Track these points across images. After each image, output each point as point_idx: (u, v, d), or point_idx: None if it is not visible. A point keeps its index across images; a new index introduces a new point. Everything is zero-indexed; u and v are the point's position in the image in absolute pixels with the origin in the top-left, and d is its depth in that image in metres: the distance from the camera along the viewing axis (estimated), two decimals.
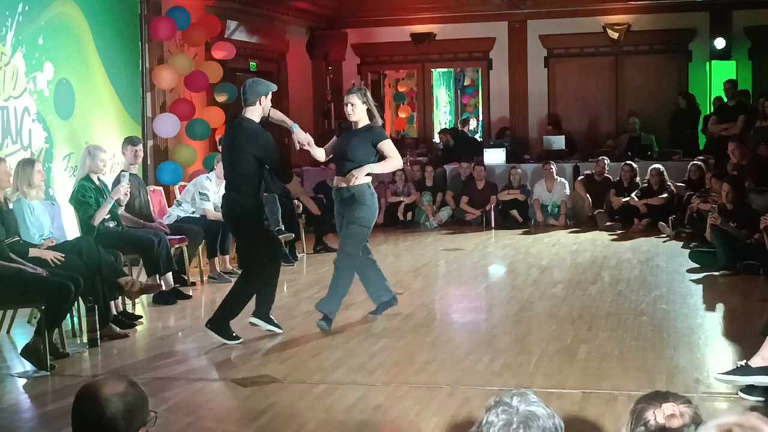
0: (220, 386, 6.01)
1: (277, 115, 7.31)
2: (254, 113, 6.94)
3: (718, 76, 15.54)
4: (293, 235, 10.67)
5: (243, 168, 6.87)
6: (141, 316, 7.98)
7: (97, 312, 6.94)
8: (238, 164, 6.90)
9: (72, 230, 8.42)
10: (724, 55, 15.88)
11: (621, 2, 16.16)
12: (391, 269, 10.02)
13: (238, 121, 7.01)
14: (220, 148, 7.77)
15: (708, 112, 15.23)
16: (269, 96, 6.97)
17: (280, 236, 10.33)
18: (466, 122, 18.16)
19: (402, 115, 19.83)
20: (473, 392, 5.56)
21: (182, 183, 10.79)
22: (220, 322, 7.01)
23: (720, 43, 15.81)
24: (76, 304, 7.07)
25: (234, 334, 7.02)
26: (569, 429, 2.25)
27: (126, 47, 10.91)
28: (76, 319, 7.38)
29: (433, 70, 18.28)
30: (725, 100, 14.55)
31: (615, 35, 16.47)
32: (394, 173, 14.14)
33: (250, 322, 7.17)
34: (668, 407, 2.51)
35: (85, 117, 10.01)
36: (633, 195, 13.21)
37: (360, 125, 7.44)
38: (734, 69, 15.74)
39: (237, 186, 6.95)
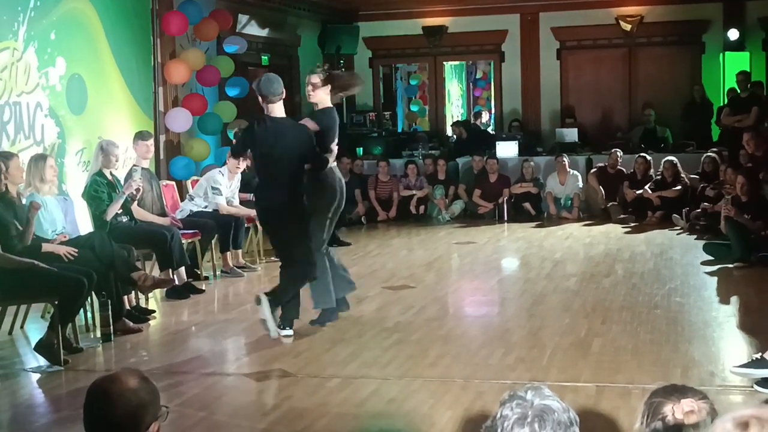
0: (233, 380, 6.01)
1: None
2: (281, 110, 6.99)
3: (731, 68, 15.44)
4: None
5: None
6: (154, 311, 7.99)
7: (110, 307, 6.95)
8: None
9: (85, 225, 8.44)
10: (737, 46, 15.79)
11: None
12: (404, 263, 10.02)
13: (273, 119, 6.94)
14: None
15: (722, 104, 15.15)
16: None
17: None
18: (478, 115, 18.13)
19: (414, 108, 19.81)
20: (487, 386, 5.55)
21: (195, 177, 10.79)
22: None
23: (734, 34, 15.72)
24: (89, 298, 7.09)
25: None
26: (584, 422, 2.23)
27: (138, 42, 10.92)
28: (89, 314, 7.39)
29: (445, 63, 18.24)
30: (738, 91, 14.47)
31: (628, 27, 16.39)
32: (406, 166, 14.15)
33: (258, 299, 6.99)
34: (687, 403, 2.48)
35: (97, 112, 10.02)
36: (647, 187, 13.15)
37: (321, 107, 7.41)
38: (748, 60, 15.64)
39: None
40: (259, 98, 6.97)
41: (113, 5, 10.36)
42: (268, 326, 6.90)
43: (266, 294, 6.98)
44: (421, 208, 14.00)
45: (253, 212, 9.97)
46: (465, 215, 14.05)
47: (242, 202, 10.10)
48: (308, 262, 7.00)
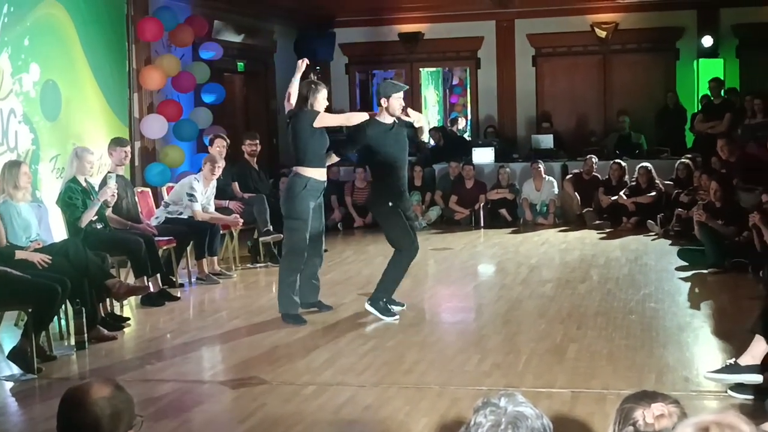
0: (208, 388, 5.97)
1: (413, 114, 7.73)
2: (381, 113, 7.57)
3: (705, 74, 15.55)
4: (282, 235, 10.59)
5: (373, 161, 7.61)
6: (129, 318, 7.95)
7: (84, 314, 6.90)
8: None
9: (59, 232, 8.38)
10: (711, 53, 15.91)
11: (608, 1, 16.19)
12: (380, 270, 9.96)
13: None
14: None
15: (695, 110, 15.27)
16: (395, 96, 7.50)
17: (267, 237, 10.34)
18: (454, 121, 18.15)
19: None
20: (463, 392, 5.55)
21: (170, 184, 10.74)
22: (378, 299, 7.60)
23: (707, 41, 15.85)
24: (63, 306, 7.03)
25: (392, 310, 7.60)
26: (558, 429, 2.24)
27: (112, 48, 10.87)
28: (63, 322, 7.34)
29: (421, 69, 18.25)
30: (712, 98, 14.58)
31: (603, 34, 16.49)
32: None
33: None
34: (657, 407, 2.51)
35: (71, 118, 9.96)
36: (621, 193, 13.23)
37: None
38: (722, 67, 15.77)
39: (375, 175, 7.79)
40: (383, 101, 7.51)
41: (88, 11, 10.31)
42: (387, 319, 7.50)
43: (368, 302, 7.64)
44: None
45: (228, 219, 9.99)
46: (441, 221, 14.08)
47: (218, 209, 10.07)
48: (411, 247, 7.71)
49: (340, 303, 8.29)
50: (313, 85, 7.55)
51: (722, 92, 14.58)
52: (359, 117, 7.77)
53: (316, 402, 5.48)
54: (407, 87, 7.94)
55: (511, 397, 2.20)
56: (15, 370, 6.33)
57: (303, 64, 7.68)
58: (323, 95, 7.55)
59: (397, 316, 7.58)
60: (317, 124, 7.45)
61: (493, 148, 15.14)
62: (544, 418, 2.19)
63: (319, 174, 7.58)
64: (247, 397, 5.63)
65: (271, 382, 5.93)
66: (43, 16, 9.50)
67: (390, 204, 7.53)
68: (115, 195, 8.29)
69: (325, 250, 11.42)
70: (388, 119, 7.54)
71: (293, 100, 7.60)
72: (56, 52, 9.76)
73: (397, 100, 7.49)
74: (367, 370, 6.15)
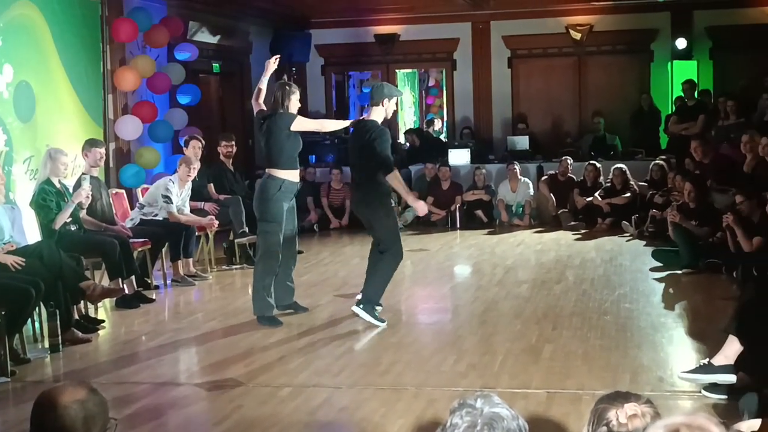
0: (183, 390, 5.95)
1: None
2: (377, 113, 7.52)
3: (679, 76, 15.66)
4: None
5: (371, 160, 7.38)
6: (103, 321, 7.90)
7: (58, 316, 6.86)
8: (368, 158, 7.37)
9: (33, 234, 8.32)
10: (685, 55, 16.02)
11: (583, 3, 16.24)
12: (357, 271, 10.00)
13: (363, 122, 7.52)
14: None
15: (669, 112, 15.37)
16: (393, 100, 7.56)
17: (243, 238, 10.32)
18: (430, 123, 18.18)
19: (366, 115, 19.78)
20: (439, 393, 5.56)
21: (145, 186, 10.70)
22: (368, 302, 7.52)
23: (681, 43, 15.95)
24: (37, 308, 6.99)
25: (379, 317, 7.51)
26: (534, 429, 2.25)
27: (87, 49, 10.81)
28: (37, 324, 7.29)
29: (397, 70, 18.27)
30: (686, 99, 14.68)
31: (578, 36, 16.56)
32: None
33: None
34: (630, 407, 2.52)
35: (45, 119, 9.90)
36: (596, 194, 13.29)
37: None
38: (695, 69, 15.88)
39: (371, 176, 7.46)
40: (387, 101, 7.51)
41: (62, 12, 10.24)
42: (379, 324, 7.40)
43: (360, 306, 7.53)
44: None
45: (204, 220, 9.96)
46: (418, 222, 14.07)
47: (193, 211, 10.04)
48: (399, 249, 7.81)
49: (316, 304, 8.29)
50: (287, 87, 7.54)
51: (696, 94, 14.68)
52: (334, 124, 7.79)
53: (292, 404, 5.47)
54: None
55: (487, 398, 2.21)
56: None
57: (274, 62, 7.67)
58: (297, 97, 7.55)
59: (386, 322, 7.48)
60: (295, 127, 7.43)
61: (469, 149, 15.19)
62: (519, 419, 2.20)
63: (293, 176, 7.59)
64: (223, 399, 5.62)
65: (246, 384, 5.92)
66: (16, 16, 9.44)
67: (388, 204, 7.72)
68: (90, 197, 8.25)
69: (300, 252, 11.45)
70: (380, 119, 7.54)
71: (262, 98, 7.62)
72: (30, 53, 9.69)
73: (394, 103, 7.61)
74: (343, 371, 6.15)
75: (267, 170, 7.62)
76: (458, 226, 13.69)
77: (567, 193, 13.68)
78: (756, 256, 8.19)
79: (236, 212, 10.36)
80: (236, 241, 10.52)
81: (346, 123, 7.82)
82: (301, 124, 7.49)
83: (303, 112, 7.93)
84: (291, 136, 7.46)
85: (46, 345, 6.95)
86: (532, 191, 13.98)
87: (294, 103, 7.51)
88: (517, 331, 7.15)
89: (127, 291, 8.42)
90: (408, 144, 16.80)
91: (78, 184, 8.30)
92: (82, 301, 7.64)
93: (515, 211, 13.90)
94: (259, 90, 7.65)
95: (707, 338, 6.54)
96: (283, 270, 7.82)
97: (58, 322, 6.86)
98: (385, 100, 7.49)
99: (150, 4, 11.95)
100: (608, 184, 13.39)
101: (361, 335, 7.17)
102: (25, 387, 6.07)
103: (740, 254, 8.52)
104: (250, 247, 10.62)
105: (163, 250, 9.55)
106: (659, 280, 9.23)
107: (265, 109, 7.68)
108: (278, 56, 7.70)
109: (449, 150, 15.18)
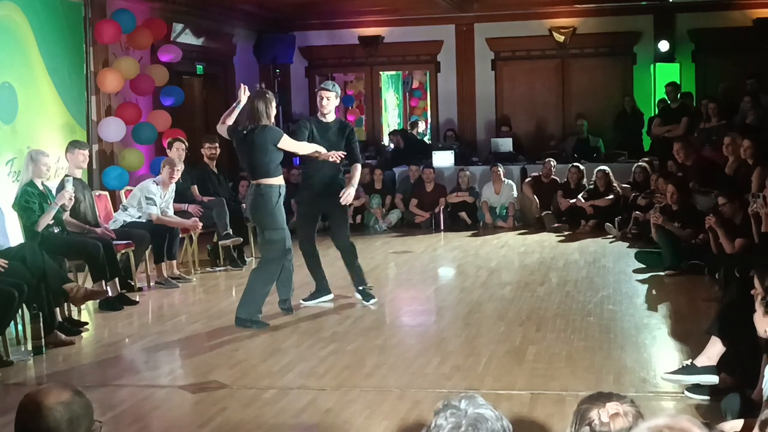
0: (168, 393, 5.94)
1: None
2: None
3: (662, 79, 15.74)
4: (241, 239, 10.60)
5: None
6: (87, 323, 7.87)
7: (41, 319, 6.83)
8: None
9: (16, 236, 8.29)
10: (668, 57, 16.10)
11: (566, 5, 16.30)
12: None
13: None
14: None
15: (653, 114, 15.44)
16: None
17: (227, 240, 10.30)
18: (414, 125, 18.21)
19: (350, 118, 19.81)
20: (423, 395, 5.57)
21: (128, 187, 10.67)
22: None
23: (664, 45, 16.03)
24: (20, 311, 6.96)
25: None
26: (518, 430, 2.26)
27: (70, 50, 10.77)
28: (20, 327, 7.25)
29: (381, 72, 18.29)
30: (669, 102, 14.75)
31: (561, 38, 16.62)
32: None
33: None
34: (612, 406, 2.54)
35: (28, 121, 9.86)
36: (580, 196, 13.33)
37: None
38: (678, 71, 15.96)
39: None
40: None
41: (45, 13, 10.20)
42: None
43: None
44: (358, 218, 14.01)
45: (187, 222, 9.93)
46: (402, 224, 14.10)
47: (177, 212, 10.01)
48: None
49: (301, 306, 8.29)
50: (267, 96, 7.64)
51: (678, 96, 14.75)
52: (309, 148, 7.86)
53: (277, 406, 5.47)
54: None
55: (471, 399, 2.22)
56: None
57: (244, 93, 7.70)
58: (274, 105, 7.69)
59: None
60: (281, 146, 7.54)
61: (452, 151, 15.20)
62: (503, 419, 2.21)
63: (282, 180, 7.72)
64: (207, 402, 5.61)
65: (231, 386, 5.91)
66: None
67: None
68: (73, 198, 8.22)
69: None
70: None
71: (229, 122, 7.73)
72: (13, 55, 9.64)
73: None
74: (327, 373, 6.15)
75: (259, 181, 7.59)
76: (442, 228, 13.71)
77: (550, 195, 13.71)
78: (738, 258, 8.21)
79: (220, 214, 10.34)
80: (220, 243, 10.49)
81: (321, 149, 7.84)
82: (286, 144, 7.59)
83: (287, 114, 8.09)
84: (276, 148, 7.52)
85: (29, 347, 6.92)
86: (515, 193, 14.01)
87: (273, 112, 7.63)
88: (501, 333, 7.17)
89: (110, 293, 8.38)
90: (392, 145, 16.81)
91: (61, 186, 8.27)
92: (65, 304, 7.61)
93: (499, 213, 13.93)
94: (228, 117, 7.74)
95: (690, 339, 6.57)
96: (287, 268, 7.95)
97: (41, 325, 6.83)
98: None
99: (133, 6, 11.91)
100: (591, 186, 13.43)
101: (345, 337, 7.16)
102: (8, 389, 6.04)
103: (722, 256, 8.55)
104: (233, 249, 10.61)
105: (147, 252, 9.52)
106: (642, 281, 9.27)
107: (235, 121, 7.77)
108: (245, 87, 7.77)
109: (433, 152, 15.18)
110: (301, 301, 8.36)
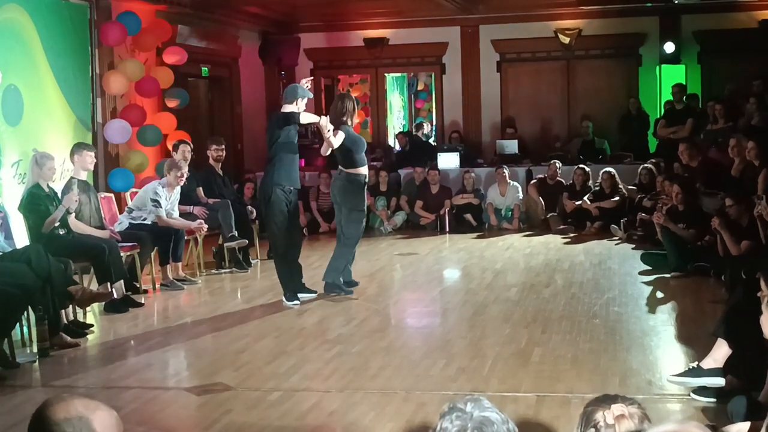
0: (173, 395, 5.94)
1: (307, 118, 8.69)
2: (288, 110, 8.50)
3: (667, 80, 15.71)
4: (246, 241, 10.60)
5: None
6: (92, 325, 7.88)
7: (47, 321, 6.83)
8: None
9: (21, 239, 8.30)
10: (673, 59, 16.06)
11: (572, 7, 16.28)
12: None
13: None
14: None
15: (658, 116, 15.41)
16: (305, 100, 8.61)
17: (232, 242, 10.30)
18: (419, 127, 18.20)
19: (356, 120, 19.79)
20: (428, 397, 5.56)
21: (134, 190, 10.68)
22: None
23: (669, 47, 16.00)
24: (25, 313, 6.96)
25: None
26: None
27: (76, 53, 10.78)
28: (26, 329, 7.26)
29: (386, 74, 18.29)
30: (674, 103, 14.72)
31: (566, 40, 16.60)
32: None
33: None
34: (617, 408, 2.54)
35: (34, 123, 9.87)
36: (585, 198, 13.32)
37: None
38: (684, 73, 15.93)
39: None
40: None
41: (50, 15, 10.22)
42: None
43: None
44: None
45: (193, 224, 9.94)
46: (407, 226, 14.10)
47: (182, 215, 10.02)
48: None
49: (306, 308, 8.29)
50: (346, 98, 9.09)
51: (684, 98, 14.73)
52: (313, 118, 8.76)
53: (282, 408, 5.46)
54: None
55: (476, 401, 2.21)
56: None
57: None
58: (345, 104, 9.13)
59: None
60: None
61: (458, 153, 15.20)
62: (509, 422, 2.20)
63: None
64: (212, 404, 5.60)
65: (236, 388, 5.91)
66: (5, 20, 9.41)
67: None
68: (79, 201, 8.23)
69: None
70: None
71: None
72: (18, 57, 9.66)
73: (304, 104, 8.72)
74: (332, 375, 6.15)
75: (342, 170, 8.83)
76: (447, 229, 13.70)
77: (556, 197, 13.70)
78: (744, 260, 8.20)
79: (225, 216, 10.34)
80: (225, 245, 10.50)
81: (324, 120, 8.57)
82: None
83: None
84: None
85: (35, 349, 6.93)
86: (521, 195, 14.00)
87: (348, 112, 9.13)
88: (507, 335, 7.16)
89: (115, 295, 8.39)
90: (398, 147, 16.80)
91: (68, 188, 8.28)
92: (70, 306, 7.62)
93: (504, 214, 13.92)
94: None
95: (696, 341, 6.56)
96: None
97: (47, 327, 6.83)
98: (299, 100, 8.53)
99: (138, 8, 11.92)
100: (597, 188, 13.42)
101: (350, 339, 7.16)
102: (14, 392, 6.02)
103: (728, 258, 8.53)
104: (239, 251, 10.60)
105: (152, 254, 9.52)
106: (648, 283, 9.25)
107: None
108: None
109: (438, 154, 15.18)
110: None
